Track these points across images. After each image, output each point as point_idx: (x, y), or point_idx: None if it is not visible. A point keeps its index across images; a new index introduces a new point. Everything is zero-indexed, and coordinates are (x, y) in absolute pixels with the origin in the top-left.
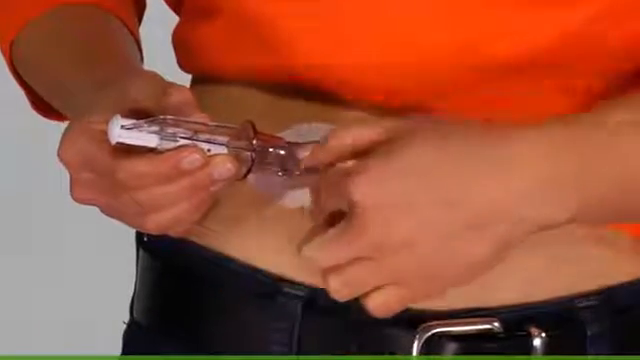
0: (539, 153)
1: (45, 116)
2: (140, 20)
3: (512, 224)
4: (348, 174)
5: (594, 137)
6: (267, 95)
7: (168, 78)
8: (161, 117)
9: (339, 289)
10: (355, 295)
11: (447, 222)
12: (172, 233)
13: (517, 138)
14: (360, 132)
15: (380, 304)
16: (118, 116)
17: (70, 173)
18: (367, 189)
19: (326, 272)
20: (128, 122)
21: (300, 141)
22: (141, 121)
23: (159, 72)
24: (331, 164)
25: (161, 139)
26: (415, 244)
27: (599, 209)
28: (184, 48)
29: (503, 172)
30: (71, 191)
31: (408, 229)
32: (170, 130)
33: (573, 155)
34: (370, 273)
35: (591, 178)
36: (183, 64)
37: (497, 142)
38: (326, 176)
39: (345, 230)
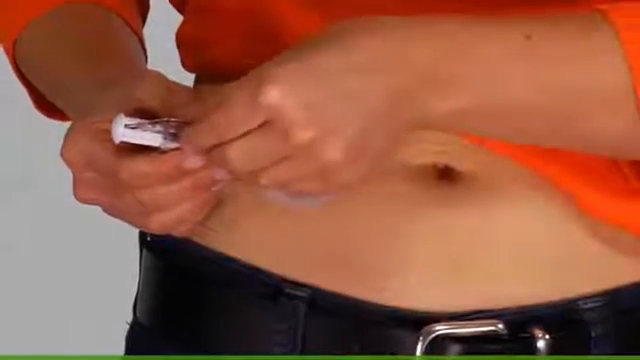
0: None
1: (48, 116)
2: (144, 20)
3: (414, 109)
4: (259, 84)
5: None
6: None
7: (171, 78)
8: (165, 119)
9: (267, 185)
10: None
11: (356, 110)
12: (175, 233)
13: (419, 45)
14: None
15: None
16: (122, 115)
17: (73, 173)
18: (281, 93)
19: (254, 173)
20: (132, 121)
21: None
22: (145, 120)
23: (162, 72)
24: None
25: (164, 139)
26: (335, 133)
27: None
28: (188, 48)
29: (395, 67)
30: (74, 191)
31: (328, 121)
32: (173, 130)
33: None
34: (297, 170)
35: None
36: (187, 64)
37: (396, 46)
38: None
39: (270, 134)
